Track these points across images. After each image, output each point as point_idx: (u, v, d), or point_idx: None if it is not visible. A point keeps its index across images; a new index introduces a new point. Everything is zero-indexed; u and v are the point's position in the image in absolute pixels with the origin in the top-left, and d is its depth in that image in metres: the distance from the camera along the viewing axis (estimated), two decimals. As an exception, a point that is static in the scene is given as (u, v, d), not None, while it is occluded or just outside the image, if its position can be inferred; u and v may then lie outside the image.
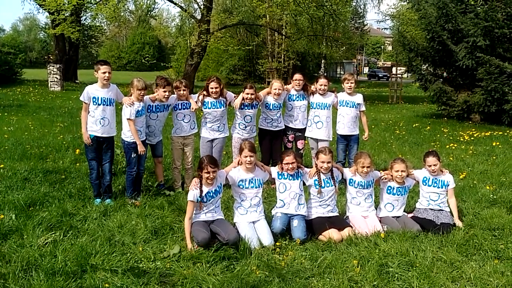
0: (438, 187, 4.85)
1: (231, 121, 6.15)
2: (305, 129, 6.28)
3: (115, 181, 5.93)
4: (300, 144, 6.33)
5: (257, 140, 6.25)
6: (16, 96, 18.31)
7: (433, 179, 4.86)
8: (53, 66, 22.86)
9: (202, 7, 20.42)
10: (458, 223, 4.66)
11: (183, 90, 5.65)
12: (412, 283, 3.45)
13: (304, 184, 4.69)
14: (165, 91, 5.45)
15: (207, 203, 4.28)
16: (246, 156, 4.41)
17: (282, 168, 4.55)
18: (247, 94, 5.79)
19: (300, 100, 6.19)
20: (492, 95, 12.34)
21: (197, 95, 5.88)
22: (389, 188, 4.81)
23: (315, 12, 22.17)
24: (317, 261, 3.81)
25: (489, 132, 11.33)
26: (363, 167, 4.64)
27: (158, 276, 3.52)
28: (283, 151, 5.48)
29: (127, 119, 5.18)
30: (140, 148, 5.24)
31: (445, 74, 15.44)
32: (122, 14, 22.52)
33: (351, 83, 6.14)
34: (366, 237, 4.28)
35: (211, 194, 4.28)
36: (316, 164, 4.71)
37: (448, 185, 4.85)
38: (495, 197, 5.59)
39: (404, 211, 4.89)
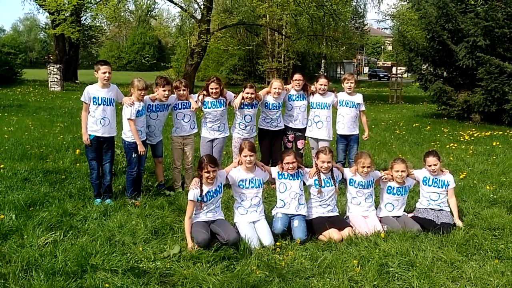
0: (438, 187, 4.84)
1: (231, 121, 6.15)
2: (305, 129, 6.28)
3: (115, 181, 5.93)
4: (300, 144, 6.33)
5: (256, 140, 6.25)
6: (16, 96, 18.32)
7: (433, 179, 4.86)
8: (53, 66, 22.87)
9: (202, 7, 20.42)
10: (458, 223, 4.66)
11: (183, 90, 5.65)
12: (412, 283, 3.45)
13: (304, 184, 4.68)
14: (164, 90, 5.45)
15: (207, 202, 4.28)
16: (246, 156, 4.41)
17: (283, 168, 4.55)
18: (247, 93, 5.79)
19: (300, 100, 6.19)
20: (492, 94, 12.34)
21: (197, 95, 5.88)
22: (389, 188, 4.81)
23: (315, 12, 22.17)
24: (317, 261, 3.81)
25: (489, 132, 11.33)
26: (364, 167, 4.64)
27: (158, 276, 3.52)
28: (283, 150, 5.47)
29: (128, 119, 5.18)
30: (140, 148, 5.24)
31: (445, 74, 15.44)
32: (122, 14, 22.52)
33: (351, 83, 6.14)
34: (366, 237, 4.28)
35: (211, 194, 4.28)
36: (316, 164, 4.70)
37: (448, 185, 4.85)
38: (495, 197, 5.59)
39: (404, 211, 4.89)
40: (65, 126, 10.52)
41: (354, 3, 37.47)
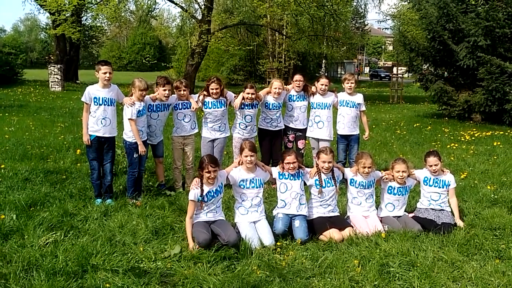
0: (439, 187, 4.84)
1: (232, 121, 6.15)
2: (305, 129, 6.28)
3: (116, 181, 5.93)
4: (300, 143, 6.33)
5: (256, 140, 6.25)
6: (17, 96, 18.34)
7: (434, 179, 4.86)
8: (54, 66, 22.91)
9: (202, 7, 20.42)
10: (459, 223, 4.65)
11: (183, 90, 5.65)
12: (413, 283, 3.44)
13: (305, 184, 4.68)
14: (165, 90, 5.46)
15: (208, 202, 4.28)
16: (246, 156, 4.41)
17: (283, 168, 4.55)
18: (248, 94, 5.79)
19: (300, 100, 6.18)
20: (493, 94, 12.33)
21: (197, 95, 5.89)
22: (390, 188, 4.81)
23: (315, 12, 22.17)
24: (318, 261, 3.81)
25: (490, 132, 11.32)
26: (364, 167, 4.64)
27: (159, 276, 3.52)
28: (284, 150, 5.46)
29: (129, 119, 5.19)
30: (141, 149, 5.24)
31: (446, 74, 15.43)
32: (122, 14, 22.49)
33: (351, 83, 6.14)
34: (367, 237, 4.28)
35: (212, 194, 4.28)
36: (317, 164, 4.70)
37: (449, 185, 4.84)
38: (496, 196, 5.59)
39: (405, 211, 4.89)
40: (66, 126, 10.53)
41: (354, 3, 37.52)
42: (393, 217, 4.75)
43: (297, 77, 6.16)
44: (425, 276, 3.52)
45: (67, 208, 4.85)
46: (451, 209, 4.82)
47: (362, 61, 61.87)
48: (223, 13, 24.84)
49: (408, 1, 17.51)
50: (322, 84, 6.11)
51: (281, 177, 4.60)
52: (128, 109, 5.17)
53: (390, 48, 62.76)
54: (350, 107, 6.17)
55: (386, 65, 57.67)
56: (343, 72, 42.61)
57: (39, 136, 8.94)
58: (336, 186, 4.66)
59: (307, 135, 6.30)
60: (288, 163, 4.47)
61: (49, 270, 3.45)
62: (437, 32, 13.56)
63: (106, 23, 32.96)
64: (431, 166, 4.80)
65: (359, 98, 6.23)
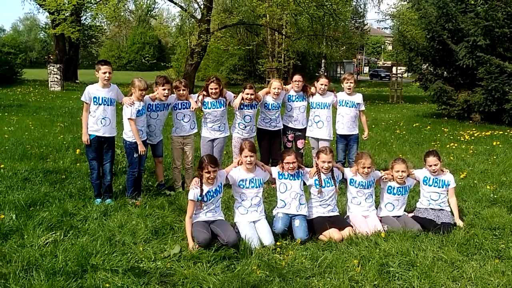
0: (439, 187, 4.84)
1: (231, 121, 6.15)
2: (305, 129, 6.28)
3: (116, 181, 5.93)
4: (300, 143, 6.33)
5: (256, 140, 6.25)
6: (16, 96, 18.32)
7: (433, 179, 4.86)
8: (53, 66, 22.88)
9: (202, 6, 20.41)
10: (459, 222, 4.66)
11: (183, 90, 5.65)
12: (413, 282, 3.44)
13: (304, 184, 4.68)
14: (164, 89, 5.45)
15: (208, 202, 4.28)
16: (246, 156, 4.41)
17: (283, 168, 4.55)
18: (247, 94, 5.79)
19: (300, 100, 6.18)
20: (493, 94, 12.34)
21: (197, 95, 5.88)
22: (390, 188, 4.81)
23: (315, 12, 22.15)
24: (317, 261, 3.81)
25: (490, 131, 11.33)
26: (364, 167, 4.64)
27: (159, 276, 3.52)
28: (283, 150, 5.46)
29: (128, 119, 5.18)
30: (141, 148, 5.24)
31: (445, 73, 15.44)
32: (122, 14, 22.51)
33: (351, 82, 6.14)
34: (367, 237, 4.28)
35: (212, 194, 4.28)
36: (316, 163, 4.70)
37: (448, 185, 4.85)
38: (495, 196, 5.59)
39: (404, 210, 4.89)
40: (65, 126, 10.52)
41: (354, 3, 37.51)
42: (393, 217, 4.76)
43: (296, 77, 6.16)
44: (425, 276, 3.52)
45: (67, 208, 4.85)
46: (451, 209, 4.82)
47: (362, 60, 61.86)
48: (223, 12, 24.85)
49: (408, 0, 17.53)
50: (322, 84, 6.11)
51: (280, 177, 4.60)
52: (128, 109, 5.17)
53: (390, 47, 62.76)
54: (349, 107, 6.17)
55: (385, 64, 57.70)
56: (342, 72, 42.65)
57: (38, 136, 8.93)
58: (335, 186, 4.66)
59: (307, 134, 6.30)
60: (288, 163, 4.48)
61: (48, 270, 3.45)
62: (437, 31, 13.56)
63: (105, 22, 33.11)
64: (430, 166, 4.81)
65: (358, 98, 6.23)
